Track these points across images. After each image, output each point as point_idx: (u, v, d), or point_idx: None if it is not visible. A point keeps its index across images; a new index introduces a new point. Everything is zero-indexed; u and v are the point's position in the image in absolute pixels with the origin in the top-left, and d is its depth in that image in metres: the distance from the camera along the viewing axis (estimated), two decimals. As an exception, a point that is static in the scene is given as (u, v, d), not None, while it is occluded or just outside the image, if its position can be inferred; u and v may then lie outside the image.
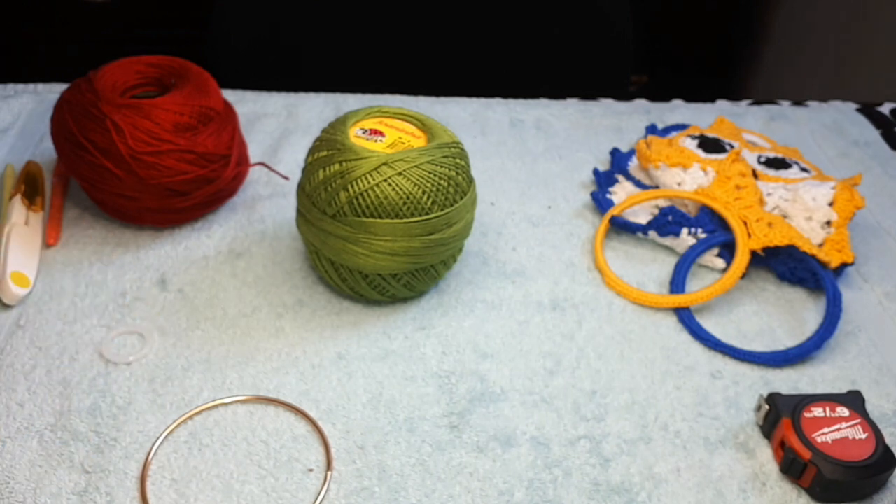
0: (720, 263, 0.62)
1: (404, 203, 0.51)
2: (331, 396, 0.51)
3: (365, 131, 0.55)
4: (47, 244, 0.60)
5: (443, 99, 0.80)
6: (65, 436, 0.48)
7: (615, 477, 0.48)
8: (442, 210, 0.53)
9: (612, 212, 0.65)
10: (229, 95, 0.78)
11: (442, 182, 0.52)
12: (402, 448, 0.49)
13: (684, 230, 0.62)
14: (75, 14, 1.48)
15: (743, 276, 0.59)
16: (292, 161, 0.70)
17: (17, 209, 0.60)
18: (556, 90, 0.86)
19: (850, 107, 0.83)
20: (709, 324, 0.58)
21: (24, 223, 0.59)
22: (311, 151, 0.54)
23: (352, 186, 0.51)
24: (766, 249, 0.60)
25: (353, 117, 0.56)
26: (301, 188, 0.55)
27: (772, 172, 0.68)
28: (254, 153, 0.71)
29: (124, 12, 1.49)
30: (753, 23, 1.65)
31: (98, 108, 0.57)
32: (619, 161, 0.71)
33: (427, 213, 0.52)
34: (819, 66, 1.45)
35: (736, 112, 0.81)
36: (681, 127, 0.76)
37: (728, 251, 0.62)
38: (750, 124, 0.79)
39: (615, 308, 0.59)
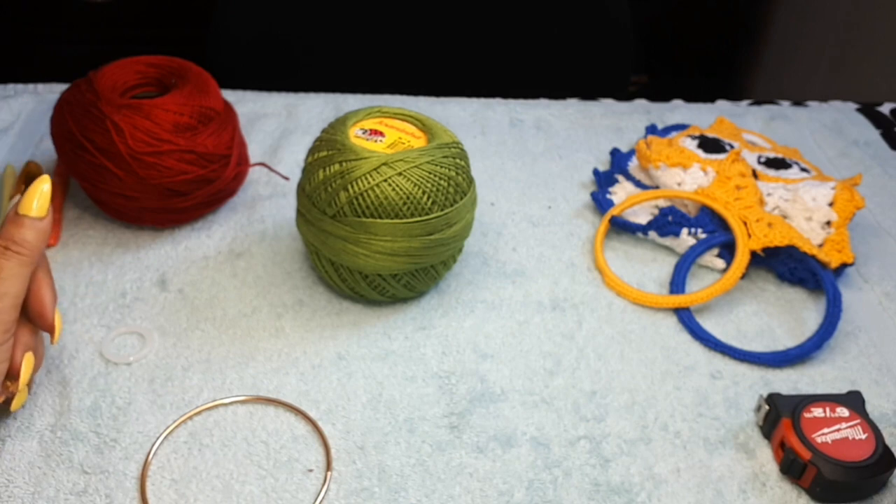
0: (720, 263, 0.62)
1: (404, 203, 0.51)
2: (331, 396, 0.51)
3: (365, 131, 0.55)
4: (47, 244, 0.60)
5: (443, 99, 0.80)
6: (65, 436, 0.48)
7: (615, 477, 0.48)
8: (442, 210, 0.53)
9: (612, 212, 0.64)
10: (229, 95, 0.78)
11: (442, 182, 0.52)
12: (402, 448, 0.49)
13: (684, 230, 0.62)
14: (75, 14, 1.48)
15: (743, 277, 0.59)
16: (292, 161, 0.70)
17: (17, 209, 0.60)
18: (556, 90, 0.86)
19: (850, 107, 0.83)
20: (709, 324, 0.58)
21: (24, 223, 0.59)
22: (311, 151, 0.54)
23: (352, 187, 0.51)
24: (766, 249, 0.60)
25: (353, 117, 0.56)
26: (301, 188, 0.55)
27: (772, 172, 0.68)
28: (254, 153, 0.71)
29: (124, 12, 1.49)
30: (753, 23, 1.65)
31: (98, 108, 0.57)
32: (619, 161, 0.71)
33: (427, 214, 0.52)
34: (819, 66, 1.45)
35: (736, 112, 0.81)
36: (681, 127, 0.76)
37: (728, 251, 0.62)
38: (750, 124, 0.79)
39: (615, 308, 0.59)
